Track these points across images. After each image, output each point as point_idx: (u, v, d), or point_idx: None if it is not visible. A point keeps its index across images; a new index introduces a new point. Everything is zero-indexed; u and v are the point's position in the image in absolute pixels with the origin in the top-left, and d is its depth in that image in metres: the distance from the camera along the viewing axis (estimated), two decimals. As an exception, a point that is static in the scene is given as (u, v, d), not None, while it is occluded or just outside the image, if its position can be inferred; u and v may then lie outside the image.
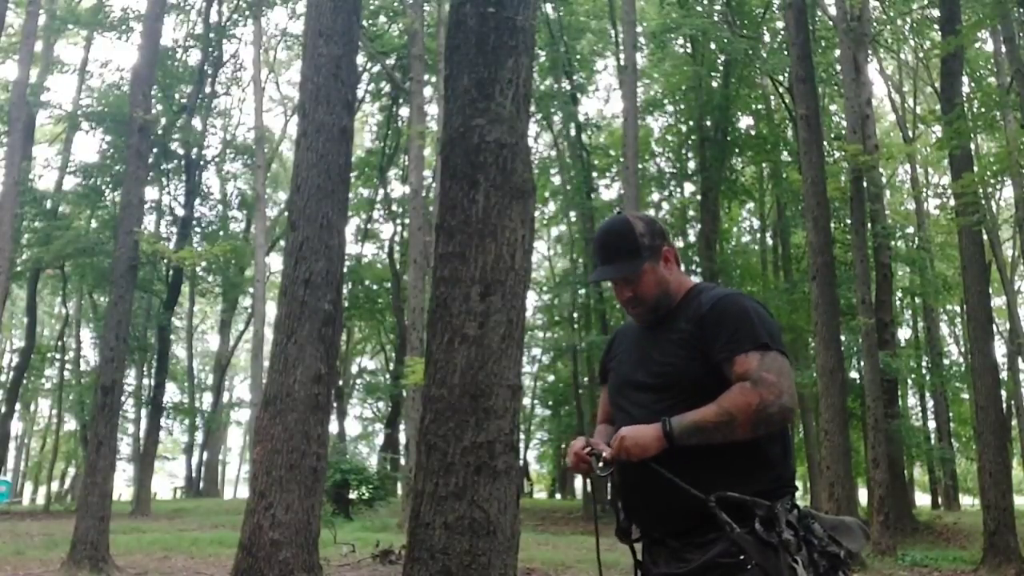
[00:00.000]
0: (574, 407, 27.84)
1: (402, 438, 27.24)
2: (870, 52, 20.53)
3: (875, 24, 20.79)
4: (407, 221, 23.81)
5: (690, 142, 26.26)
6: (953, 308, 28.81)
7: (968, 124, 13.22)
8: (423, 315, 16.00)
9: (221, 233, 27.01)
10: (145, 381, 30.88)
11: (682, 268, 2.43)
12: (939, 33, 15.85)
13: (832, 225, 16.10)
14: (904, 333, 27.86)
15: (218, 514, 19.30)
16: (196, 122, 25.14)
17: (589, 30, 26.39)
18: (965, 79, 17.52)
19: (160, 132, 21.80)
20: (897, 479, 17.86)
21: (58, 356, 30.80)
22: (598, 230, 2.40)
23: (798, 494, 2.22)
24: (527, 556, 9.78)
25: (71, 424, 33.00)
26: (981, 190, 14.69)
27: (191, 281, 29.13)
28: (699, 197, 25.24)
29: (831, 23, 19.40)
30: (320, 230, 6.91)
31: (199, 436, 34.31)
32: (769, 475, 2.15)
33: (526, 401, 30.30)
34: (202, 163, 26.28)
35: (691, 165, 26.51)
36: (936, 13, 16.99)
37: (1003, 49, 16.16)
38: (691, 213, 27.56)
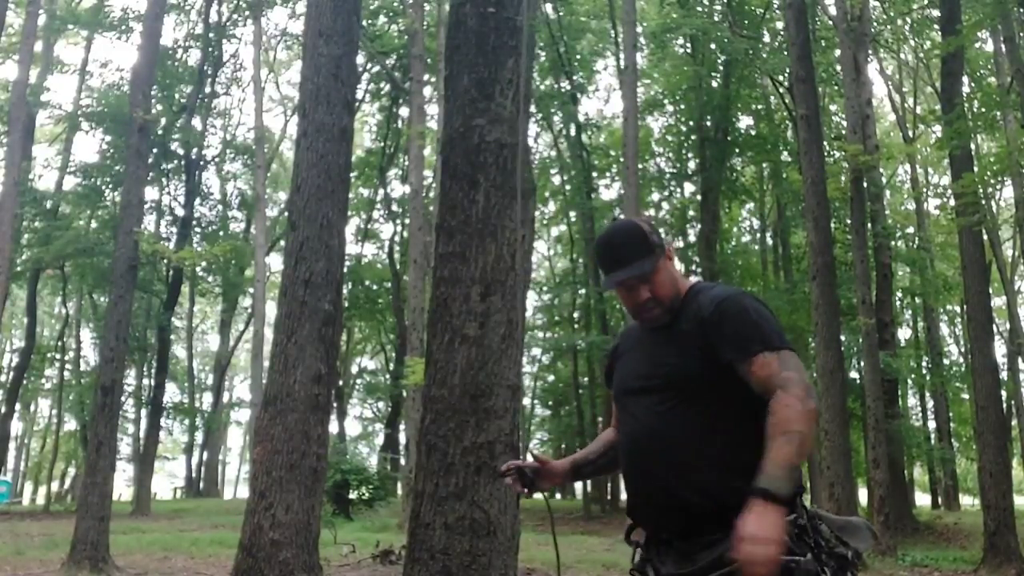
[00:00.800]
0: (574, 407, 27.84)
1: (402, 438, 27.24)
2: (870, 52, 20.53)
3: (875, 24, 20.79)
4: (407, 221, 23.80)
5: (690, 142, 26.25)
6: (953, 308, 28.79)
7: (968, 124, 13.22)
8: (423, 315, 15.99)
9: (221, 233, 27.00)
10: (145, 381, 30.90)
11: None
12: (939, 33, 15.85)
13: (832, 225, 16.10)
14: (904, 333, 27.87)
15: (218, 514, 19.30)
16: (196, 122, 25.14)
17: (589, 30, 26.38)
18: (965, 79, 17.51)
19: (160, 132, 21.81)
20: (897, 479, 17.86)
21: (58, 356, 30.78)
22: (603, 236, 2.34)
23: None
24: (527, 556, 9.76)
25: (71, 424, 32.99)
26: (981, 190, 14.68)
27: (191, 281, 29.13)
28: (699, 197, 25.23)
29: (831, 23, 19.39)
30: (320, 230, 6.91)
31: (199, 436, 34.31)
32: None
33: (526, 401, 30.29)
34: (202, 163, 26.27)
35: (691, 165, 26.51)
36: (936, 13, 17.00)
37: (1003, 49, 16.15)
38: (691, 213, 27.56)
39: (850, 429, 15.62)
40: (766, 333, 2.12)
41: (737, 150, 25.40)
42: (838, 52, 19.33)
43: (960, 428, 27.44)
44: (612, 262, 2.27)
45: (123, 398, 20.54)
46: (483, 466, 3.68)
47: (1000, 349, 21.97)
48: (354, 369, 37.22)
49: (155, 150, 20.32)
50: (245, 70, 27.50)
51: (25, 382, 27.85)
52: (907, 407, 25.95)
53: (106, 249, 20.90)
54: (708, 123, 24.80)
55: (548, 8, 23.76)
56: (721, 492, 2.05)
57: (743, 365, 2.09)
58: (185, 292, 30.31)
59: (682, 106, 25.84)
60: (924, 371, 24.98)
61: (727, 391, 2.12)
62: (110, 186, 23.58)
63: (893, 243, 21.40)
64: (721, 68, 24.56)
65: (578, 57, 26.26)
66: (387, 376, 33.98)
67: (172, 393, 33.40)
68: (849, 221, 17.57)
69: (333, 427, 27.15)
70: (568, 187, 28.03)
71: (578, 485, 32.77)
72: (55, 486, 35.92)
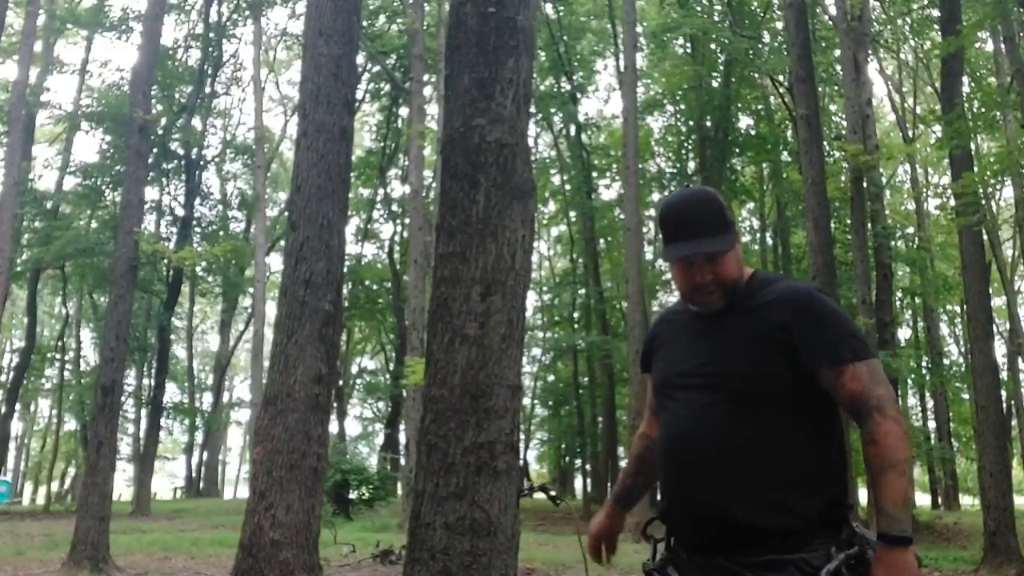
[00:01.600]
0: (574, 407, 27.83)
1: (402, 438, 27.25)
2: (870, 52, 20.53)
3: (875, 24, 20.79)
4: (407, 221, 23.80)
5: (690, 142, 26.25)
6: (953, 308, 28.80)
7: (968, 124, 13.22)
8: (423, 315, 15.99)
9: (221, 233, 27.01)
10: (145, 381, 30.92)
11: None
12: (939, 33, 15.84)
13: (832, 225, 16.09)
14: (904, 333, 27.87)
15: (218, 514, 19.31)
16: (196, 122, 25.15)
17: (589, 30, 26.40)
18: (965, 79, 17.51)
19: (160, 132, 21.82)
20: (897, 479, 17.81)
21: (58, 356, 30.81)
22: (675, 201, 2.06)
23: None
24: (527, 556, 9.78)
25: (71, 424, 33.02)
26: (981, 190, 14.67)
27: (191, 281, 29.14)
28: (699, 197, 25.19)
29: (831, 23, 19.40)
30: (320, 230, 6.91)
31: (199, 436, 34.33)
32: (834, 486, 1.95)
33: (526, 401, 30.27)
34: (202, 163, 26.28)
35: (691, 165, 26.50)
36: (936, 13, 17.00)
37: (1003, 49, 16.17)
38: (691, 213, 27.52)
39: (850, 429, 15.60)
40: (855, 340, 1.94)
41: (737, 150, 25.40)
42: (838, 52, 19.34)
43: (960, 428, 27.44)
44: (681, 231, 1.99)
45: (123, 398, 20.52)
46: (483, 466, 3.68)
47: (1000, 349, 21.98)
48: (354, 369, 37.23)
49: (155, 150, 20.33)
50: (245, 70, 27.58)
51: (25, 382, 27.88)
52: (907, 407, 25.96)
53: (106, 249, 20.92)
54: (708, 123, 24.80)
55: (548, 8, 23.78)
56: (784, 512, 1.88)
57: (830, 374, 1.91)
58: (185, 292, 30.33)
59: (682, 106, 25.84)
60: (924, 371, 24.97)
61: (798, 397, 1.94)
62: (110, 186, 23.61)
63: (893, 243, 21.38)
64: (721, 68, 24.56)
65: (578, 57, 26.28)
66: (387, 376, 34.00)
67: (172, 393, 33.48)
68: (849, 221, 17.58)
69: (333, 427, 27.18)
70: (568, 187, 28.03)
71: (578, 485, 32.88)
72: (55, 486, 35.95)
